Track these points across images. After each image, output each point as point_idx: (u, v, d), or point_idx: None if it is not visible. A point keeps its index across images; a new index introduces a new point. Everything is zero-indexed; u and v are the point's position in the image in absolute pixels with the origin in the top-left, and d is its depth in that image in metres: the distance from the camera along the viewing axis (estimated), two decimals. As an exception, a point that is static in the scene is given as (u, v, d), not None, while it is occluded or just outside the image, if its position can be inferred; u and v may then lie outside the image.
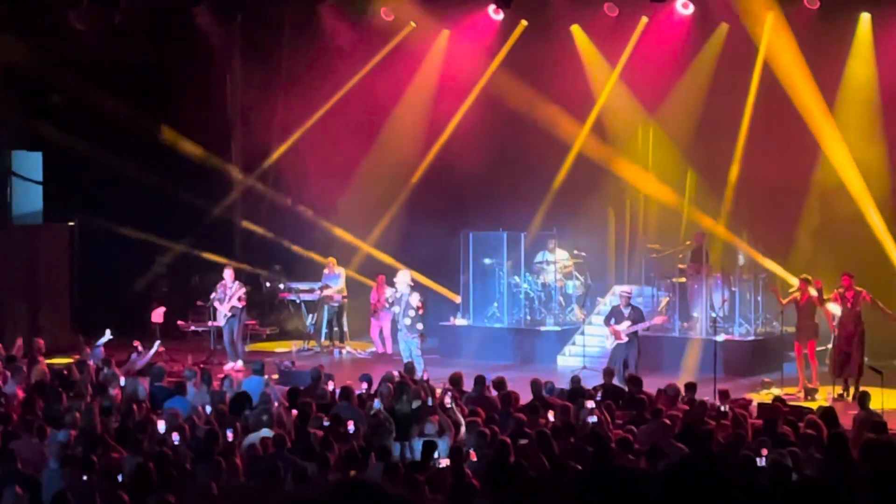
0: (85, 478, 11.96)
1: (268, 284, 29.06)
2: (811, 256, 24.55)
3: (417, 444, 13.43)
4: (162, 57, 28.17)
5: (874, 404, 16.14)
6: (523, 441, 13.41)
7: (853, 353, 20.84)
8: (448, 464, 12.44)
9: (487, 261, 26.51)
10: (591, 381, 19.04)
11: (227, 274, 25.00)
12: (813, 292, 21.34)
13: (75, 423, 14.41)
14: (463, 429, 14.90)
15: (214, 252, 28.90)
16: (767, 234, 24.99)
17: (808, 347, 21.43)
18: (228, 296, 24.59)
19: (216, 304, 24.73)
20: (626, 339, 21.46)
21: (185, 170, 28.15)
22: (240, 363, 24.09)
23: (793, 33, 24.71)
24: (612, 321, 21.81)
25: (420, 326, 22.63)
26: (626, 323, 21.53)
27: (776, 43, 25.03)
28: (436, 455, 13.14)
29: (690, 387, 17.28)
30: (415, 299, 22.51)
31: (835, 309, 21.34)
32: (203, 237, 28.94)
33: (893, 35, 24.53)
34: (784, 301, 21.90)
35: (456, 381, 17.80)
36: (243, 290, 24.82)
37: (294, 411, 15.77)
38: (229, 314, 24.57)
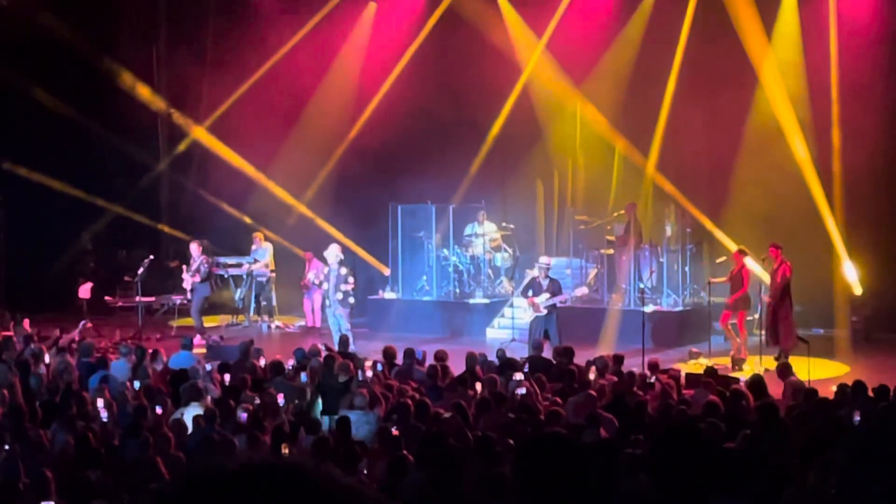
0: (6, 447, 11.81)
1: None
2: (743, 225, 24.65)
3: (350, 417, 13.35)
4: (87, 32, 27.81)
5: (802, 374, 16.29)
6: (447, 414, 13.37)
7: (778, 324, 21.05)
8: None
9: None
10: (520, 353, 19.07)
11: (193, 248, 24.80)
12: (750, 264, 21.67)
13: (3, 400, 14.26)
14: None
15: (141, 214, 28.90)
16: (698, 202, 25.10)
17: (738, 318, 21.61)
18: (192, 271, 24.41)
19: (184, 275, 24.62)
20: (544, 311, 21.29)
21: (114, 136, 27.89)
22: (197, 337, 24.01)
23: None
24: (530, 292, 21.66)
25: (352, 301, 22.53)
26: (545, 295, 21.30)
27: (703, 11, 25.20)
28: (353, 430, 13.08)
29: (618, 359, 17.35)
30: (345, 273, 22.40)
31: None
32: (130, 206, 28.77)
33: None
34: (726, 279, 22.09)
35: (389, 354, 17.79)
36: (204, 266, 24.49)
37: (224, 385, 15.73)
38: (189, 288, 24.47)
